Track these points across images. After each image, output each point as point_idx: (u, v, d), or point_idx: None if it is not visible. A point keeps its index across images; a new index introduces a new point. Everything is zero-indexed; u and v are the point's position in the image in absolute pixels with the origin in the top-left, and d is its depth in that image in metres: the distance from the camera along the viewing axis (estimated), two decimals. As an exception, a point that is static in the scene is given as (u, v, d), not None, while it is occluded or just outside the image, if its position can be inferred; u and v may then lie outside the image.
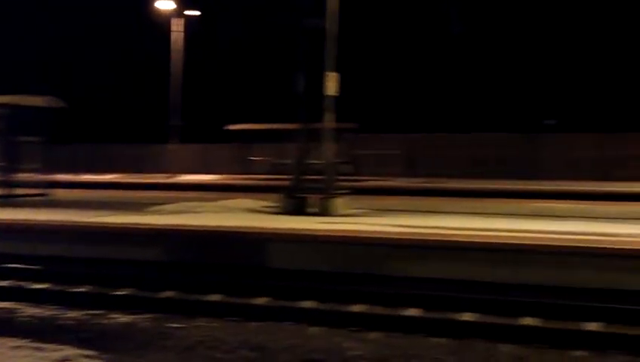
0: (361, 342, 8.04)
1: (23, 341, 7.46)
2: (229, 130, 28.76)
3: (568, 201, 16.61)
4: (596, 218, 13.14)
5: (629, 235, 10.80)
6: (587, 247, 10.00)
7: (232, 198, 16.91)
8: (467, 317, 8.82)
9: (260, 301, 9.65)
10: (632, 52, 27.08)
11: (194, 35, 34.18)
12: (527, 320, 8.64)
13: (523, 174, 22.88)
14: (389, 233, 11.23)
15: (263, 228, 11.75)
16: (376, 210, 14.59)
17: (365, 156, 25.31)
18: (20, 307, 9.54)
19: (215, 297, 9.85)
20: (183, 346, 7.81)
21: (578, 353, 7.60)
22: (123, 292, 10.18)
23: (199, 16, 34.80)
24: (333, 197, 14.01)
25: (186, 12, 34.48)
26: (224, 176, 26.97)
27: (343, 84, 14.25)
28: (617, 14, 28.03)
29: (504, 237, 10.73)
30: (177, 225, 12.18)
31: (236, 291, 9.97)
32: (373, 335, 8.28)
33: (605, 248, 9.91)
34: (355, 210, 14.27)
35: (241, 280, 10.52)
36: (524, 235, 10.84)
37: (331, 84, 14.20)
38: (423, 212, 14.17)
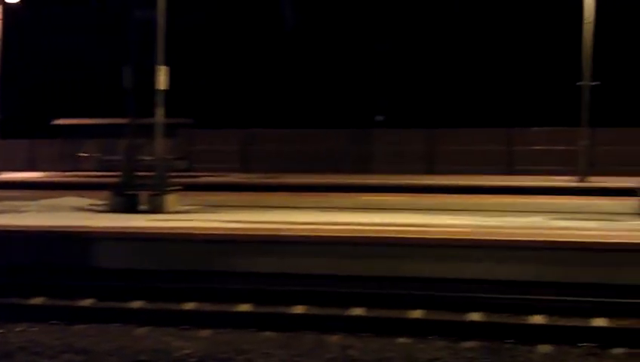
0: (190, 340, 7.92)
1: None
2: (56, 125, 27.47)
3: (398, 194, 17.23)
4: (420, 210, 13.73)
5: (449, 226, 11.40)
6: (412, 238, 10.45)
7: (59, 196, 16.16)
8: (297, 310, 8.92)
9: (86, 303, 9.28)
10: (458, 50, 28.47)
11: (16, 23, 32.13)
12: (356, 311, 8.87)
13: (355, 169, 23.55)
14: (220, 229, 11.17)
15: (88, 227, 11.31)
16: (210, 206, 14.46)
17: (201, 152, 25.06)
18: None
19: (37, 300, 9.35)
20: (1, 353, 7.34)
21: (402, 339, 7.89)
22: None
23: (20, 2, 32.73)
24: (165, 193, 13.72)
25: (6, -1, 32.38)
26: (52, 173, 25.74)
27: (179, 79, 13.98)
28: (441, 12, 29.35)
29: (333, 230, 10.99)
30: (-4, 226, 11.47)
31: (60, 293, 9.52)
32: (203, 332, 8.17)
33: (432, 238, 10.39)
34: (187, 207, 14.07)
35: (66, 282, 10.06)
36: (356, 228, 11.17)
37: (162, 78, 13.90)
38: (256, 207, 14.21)
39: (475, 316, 8.68)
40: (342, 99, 29.46)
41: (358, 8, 29.46)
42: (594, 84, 19.94)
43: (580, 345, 7.68)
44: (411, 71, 29.28)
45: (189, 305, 9.15)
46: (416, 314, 8.75)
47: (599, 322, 8.40)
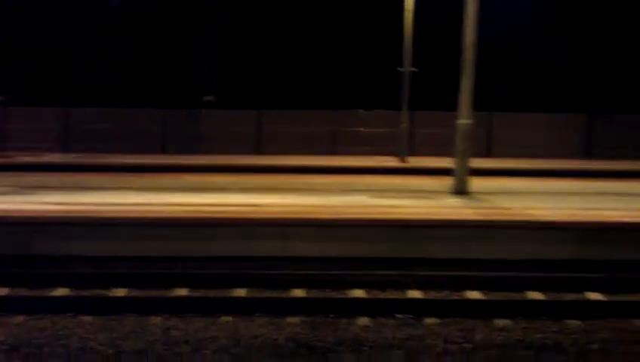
0: (3, 327, 7.50)
1: None
2: None
3: (228, 175, 17.16)
4: (248, 189, 13.77)
5: (273, 204, 11.54)
6: (238, 218, 10.48)
7: None
8: (118, 293, 8.69)
9: None
10: (287, 33, 28.71)
11: None
12: (181, 291, 8.78)
13: (184, 150, 23.22)
14: (37, 211, 10.62)
15: None
16: (27, 187, 13.70)
17: (16, 131, 23.67)
18: None
19: None
20: None
21: (225, 318, 7.90)
22: None
23: None
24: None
25: None
26: None
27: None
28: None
29: (157, 211, 10.80)
30: None
31: None
32: (18, 319, 7.76)
33: (257, 218, 10.46)
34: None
35: None
36: (181, 208, 11.03)
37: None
38: (78, 188, 13.62)
39: (298, 292, 8.85)
40: (170, 79, 28.87)
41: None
42: (413, 70, 20.85)
43: (397, 316, 8.06)
44: (241, 52, 29.23)
45: (2, 291, 8.65)
46: (241, 292, 8.79)
47: (413, 294, 8.85)
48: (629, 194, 14.01)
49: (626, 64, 28.12)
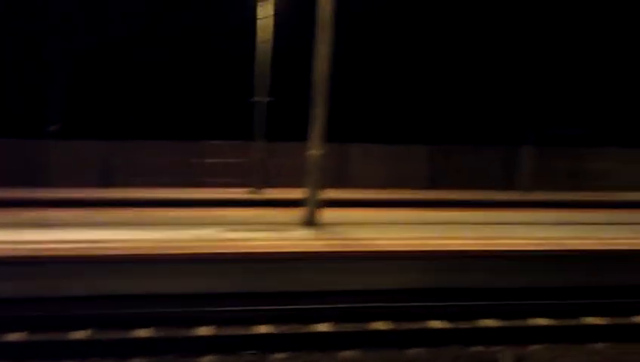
0: None
1: None
2: None
3: (73, 209, 16.43)
4: (93, 224, 13.23)
5: (117, 240, 11.13)
6: (84, 255, 10.01)
7: None
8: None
9: None
10: (136, 62, 28.10)
11: None
12: (14, 336, 8.25)
13: (27, 182, 22.07)
14: None
15: None
16: None
17: None
18: None
19: None
20: None
21: (62, 364, 7.49)
22: None
23: None
24: None
25: None
26: None
27: None
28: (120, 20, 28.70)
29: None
30: None
31: None
32: None
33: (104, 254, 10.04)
34: None
35: None
36: (19, 247, 10.41)
37: None
38: None
39: (142, 332, 8.54)
40: (13, 107, 27.46)
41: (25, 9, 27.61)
42: (268, 100, 20.96)
43: (244, 352, 7.93)
44: (90, 81, 28.28)
45: None
46: (80, 335, 8.37)
47: (261, 329, 8.75)
48: (473, 223, 14.64)
49: (463, 97, 29.57)
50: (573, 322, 9.29)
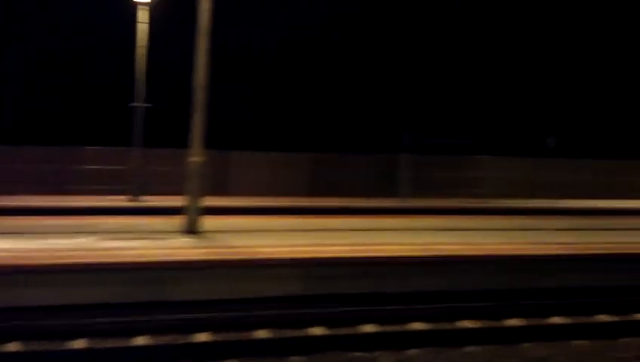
0: None
1: None
2: None
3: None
4: None
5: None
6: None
7: None
8: None
9: None
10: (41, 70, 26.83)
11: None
12: None
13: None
14: None
15: None
16: None
17: None
18: None
19: None
20: None
21: None
22: None
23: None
24: None
25: None
26: None
27: None
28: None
29: None
30: None
31: None
32: None
33: None
34: None
35: None
36: None
37: None
38: None
39: (12, 346, 8.13)
40: None
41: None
42: (146, 105, 20.51)
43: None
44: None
45: None
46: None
47: (139, 341, 8.51)
48: (351, 230, 14.85)
49: (345, 104, 30.05)
50: (448, 326, 9.56)
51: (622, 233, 15.63)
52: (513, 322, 9.87)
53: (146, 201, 19.80)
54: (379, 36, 30.17)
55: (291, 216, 17.62)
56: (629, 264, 12.24)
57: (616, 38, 32.30)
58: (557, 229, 16.02)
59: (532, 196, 24.83)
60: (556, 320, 10.09)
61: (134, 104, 20.58)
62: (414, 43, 30.37)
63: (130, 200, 19.97)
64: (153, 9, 20.88)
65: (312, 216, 17.75)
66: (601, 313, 10.43)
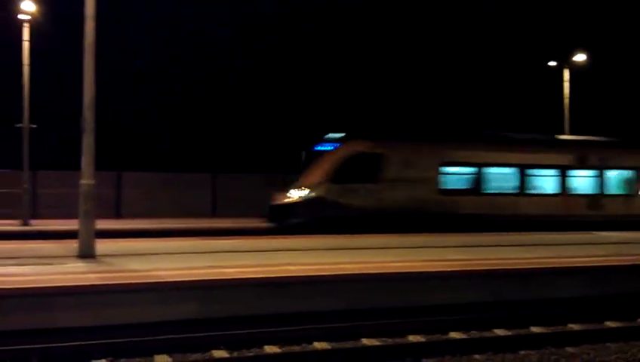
0: None
1: None
2: None
3: None
4: None
5: None
6: None
7: None
8: None
9: None
10: None
11: None
12: None
13: None
14: None
15: None
16: None
17: None
18: None
19: None
20: None
21: None
22: None
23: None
24: None
25: None
26: None
27: None
28: None
29: None
30: None
31: None
32: None
33: None
34: None
35: None
36: None
37: None
38: None
39: None
40: None
41: None
42: (33, 126, 19.79)
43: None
44: None
45: None
46: None
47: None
48: (253, 251, 14.77)
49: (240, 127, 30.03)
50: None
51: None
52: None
53: (37, 225, 19.06)
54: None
55: (193, 237, 17.37)
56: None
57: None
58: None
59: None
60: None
61: (20, 125, 19.83)
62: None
63: (21, 225, 19.18)
64: (39, 27, 20.25)
65: (214, 237, 17.57)
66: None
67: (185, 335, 9.34)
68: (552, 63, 33.13)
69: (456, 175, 24.14)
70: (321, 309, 10.76)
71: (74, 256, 12.65)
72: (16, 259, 12.58)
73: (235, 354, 8.97)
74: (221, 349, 9.06)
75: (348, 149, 22.59)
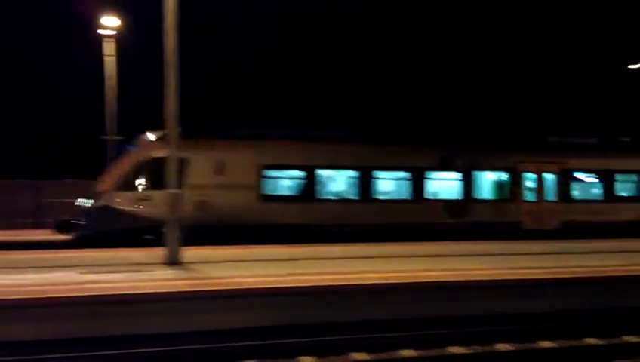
0: None
1: None
2: None
3: None
4: None
5: None
6: None
7: None
8: None
9: None
10: None
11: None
12: None
13: None
14: None
15: None
16: None
17: None
18: None
19: None
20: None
21: None
22: None
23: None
24: None
25: None
26: None
27: None
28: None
29: None
30: None
31: None
32: None
33: None
34: None
35: None
36: None
37: None
38: None
39: None
40: None
41: None
42: (118, 138, 20.34)
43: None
44: None
45: None
46: None
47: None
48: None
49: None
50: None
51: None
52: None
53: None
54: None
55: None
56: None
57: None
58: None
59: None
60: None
61: (105, 137, 20.40)
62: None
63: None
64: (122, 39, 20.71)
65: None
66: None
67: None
68: (633, 66, 31.97)
69: (280, 179, 20.66)
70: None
71: (161, 264, 12.97)
72: (106, 267, 12.91)
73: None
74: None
75: (144, 151, 19.45)
